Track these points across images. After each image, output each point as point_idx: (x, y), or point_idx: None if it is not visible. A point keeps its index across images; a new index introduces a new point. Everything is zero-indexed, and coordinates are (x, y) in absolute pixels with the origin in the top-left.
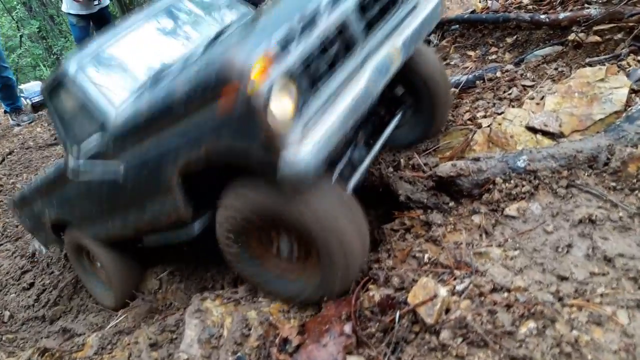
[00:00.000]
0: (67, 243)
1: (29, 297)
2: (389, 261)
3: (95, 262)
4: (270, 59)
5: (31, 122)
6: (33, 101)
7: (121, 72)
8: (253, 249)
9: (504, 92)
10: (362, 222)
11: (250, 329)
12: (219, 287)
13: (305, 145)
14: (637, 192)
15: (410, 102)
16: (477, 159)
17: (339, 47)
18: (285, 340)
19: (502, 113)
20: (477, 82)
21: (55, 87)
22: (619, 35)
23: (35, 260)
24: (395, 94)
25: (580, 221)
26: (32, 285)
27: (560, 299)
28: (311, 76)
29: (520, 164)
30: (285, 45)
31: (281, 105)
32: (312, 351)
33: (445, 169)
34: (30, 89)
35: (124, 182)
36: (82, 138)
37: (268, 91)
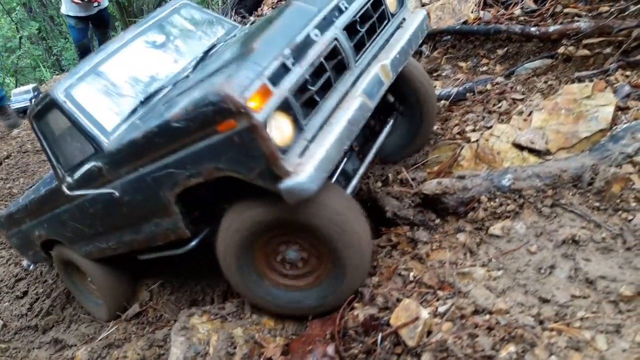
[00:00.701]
0: (55, 259)
1: (22, 305)
2: (375, 278)
3: (86, 277)
4: (266, 90)
5: (14, 128)
6: (16, 106)
7: (110, 95)
8: (258, 263)
9: (494, 105)
10: (364, 220)
11: (235, 347)
12: (208, 300)
13: (306, 168)
14: (620, 212)
15: (401, 109)
16: (462, 177)
17: (331, 70)
18: None
19: (490, 127)
20: (468, 94)
21: (42, 112)
22: (608, 50)
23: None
24: (387, 101)
25: (564, 242)
26: (25, 293)
27: (540, 323)
28: (306, 101)
29: (505, 182)
30: (279, 75)
31: (279, 132)
32: None
33: (431, 186)
34: (18, 94)
35: (118, 206)
36: (74, 163)
37: (266, 121)
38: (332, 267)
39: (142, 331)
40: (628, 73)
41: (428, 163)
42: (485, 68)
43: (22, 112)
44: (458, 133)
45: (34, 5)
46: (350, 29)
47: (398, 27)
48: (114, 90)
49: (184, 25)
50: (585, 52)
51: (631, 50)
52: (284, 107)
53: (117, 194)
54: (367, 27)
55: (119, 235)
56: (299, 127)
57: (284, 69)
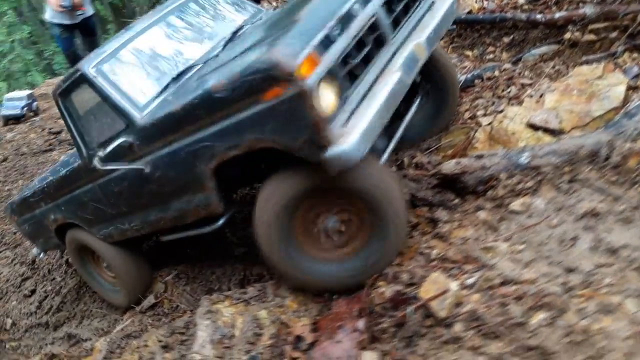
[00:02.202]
0: (69, 244)
1: (30, 304)
2: (396, 258)
3: (101, 263)
4: (314, 59)
5: None
6: (6, 112)
7: (141, 72)
8: (298, 234)
9: (503, 90)
10: (399, 186)
11: (262, 329)
12: (225, 289)
13: (351, 136)
14: (637, 185)
15: (427, 88)
16: (480, 156)
17: (371, 43)
18: (299, 338)
19: (502, 111)
20: (476, 81)
21: (69, 89)
22: (614, 34)
23: (36, 267)
24: (414, 80)
25: (584, 215)
26: (33, 292)
27: (568, 290)
28: (348, 73)
29: (523, 160)
30: (325, 45)
31: (325, 100)
32: (327, 347)
33: (450, 166)
34: (11, 100)
35: (147, 182)
36: (102, 139)
37: (313, 88)
38: (373, 231)
39: (158, 322)
40: (635, 55)
41: (442, 147)
42: (491, 56)
43: (13, 119)
44: (469, 118)
45: (25, 9)
46: (387, 7)
47: (428, 9)
48: (145, 67)
49: (211, 7)
50: (592, 36)
51: (637, 33)
52: (330, 76)
53: (147, 170)
54: (401, 5)
55: (145, 214)
56: (342, 98)
57: (329, 40)
